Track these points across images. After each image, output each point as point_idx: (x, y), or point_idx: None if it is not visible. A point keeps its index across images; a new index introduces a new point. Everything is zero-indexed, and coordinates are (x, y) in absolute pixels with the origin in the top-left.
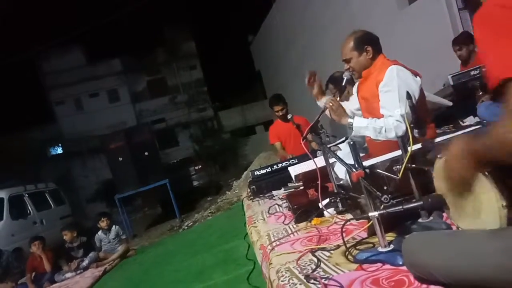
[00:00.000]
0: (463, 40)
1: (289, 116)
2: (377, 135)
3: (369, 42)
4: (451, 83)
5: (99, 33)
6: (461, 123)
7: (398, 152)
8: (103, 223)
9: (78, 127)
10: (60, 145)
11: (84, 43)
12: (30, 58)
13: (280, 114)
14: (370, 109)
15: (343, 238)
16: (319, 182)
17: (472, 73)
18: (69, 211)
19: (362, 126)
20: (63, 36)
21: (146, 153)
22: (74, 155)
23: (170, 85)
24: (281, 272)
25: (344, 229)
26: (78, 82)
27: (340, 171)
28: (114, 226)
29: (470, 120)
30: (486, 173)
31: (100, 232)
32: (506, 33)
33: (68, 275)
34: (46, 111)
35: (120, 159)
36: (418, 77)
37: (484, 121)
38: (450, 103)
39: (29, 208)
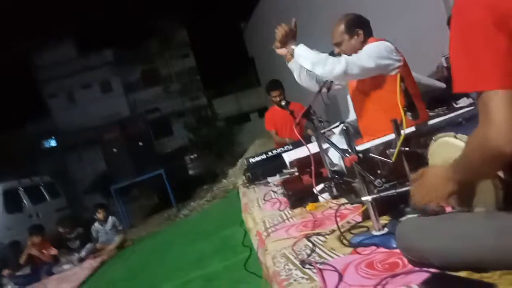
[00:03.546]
0: None
1: (283, 103)
2: (314, 67)
3: (360, 25)
4: (445, 64)
5: (90, 24)
6: (454, 104)
7: (392, 136)
8: (99, 215)
9: (72, 119)
10: (54, 138)
11: (75, 34)
12: (22, 51)
13: (278, 99)
14: (356, 95)
15: (337, 223)
16: (313, 168)
17: None
18: (65, 203)
19: (302, 53)
20: (54, 28)
21: (140, 143)
22: (68, 147)
23: (163, 75)
24: (277, 258)
25: (338, 214)
26: (70, 74)
27: (334, 156)
28: (110, 217)
29: (463, 101)
30: None
31: (96, 223)
32: (475, 40)
33: (66, 266)
34: (40, 104)
35: (115, 150)
36: (399, 54)
37: (477, 102)
38: (444, 85)
39: (25, 201)
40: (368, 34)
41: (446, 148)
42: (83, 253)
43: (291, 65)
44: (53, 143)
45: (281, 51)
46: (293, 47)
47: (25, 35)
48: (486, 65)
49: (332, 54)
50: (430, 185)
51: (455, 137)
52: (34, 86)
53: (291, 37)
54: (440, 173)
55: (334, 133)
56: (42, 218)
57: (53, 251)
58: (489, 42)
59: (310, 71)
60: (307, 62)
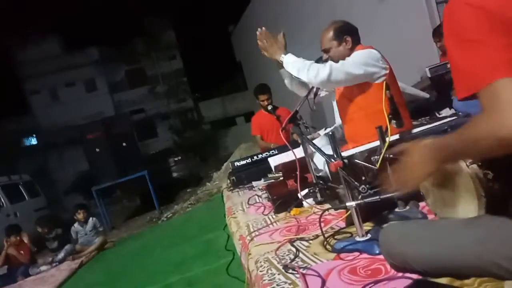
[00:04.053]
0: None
1: (269, 107)
2: (299, 73)
3: (348, 33)
4: (428, 75)
5: (76, 21)
6: (437, 114)
7: (376, 143)
8: (80, 215)
9: (54, 117)
10: (35, 136)
11: (60, 31)
12: (4, 46)
13: (266, 104)
14: (343, 101)
15: (321, 228)
16: (298, 173)
17: (449, 65)
18: (44, 203)
19: (289, 61)
20: (38, 24)
21: (124, 144)
22: (50, 146)
23: (149, 75)
24: (260, 262)
25: (322, 219)
26: (54, 71)
27: (319, 162)
28: (91, 218)
29: (446, 112)
30: (467, 164)
31: (76, 224)
32: (472, 40)
33: (43, 268)
34: (21, 101)
35: (98, 150)
36: (385, 63)
37: (460, 113)
38: (427, 95)
39: (2, 200)
40: (356, 42)
41: None
42: (61, 254)
43: (282, 71)
44: (33, 141)
45: (269, 55)
46: (282, 55)
47: (7, 28)
48: (490, 60)
49: (320, 60)
50: (407, 166)
51: None
52: (16, 82)
53: (279, 47)
54: (420, 155)
55: (319, 134)
56: (20, 218)
57: (25, 259)
58: (487, 41)
59: (298, 78)
60: (293, 69)
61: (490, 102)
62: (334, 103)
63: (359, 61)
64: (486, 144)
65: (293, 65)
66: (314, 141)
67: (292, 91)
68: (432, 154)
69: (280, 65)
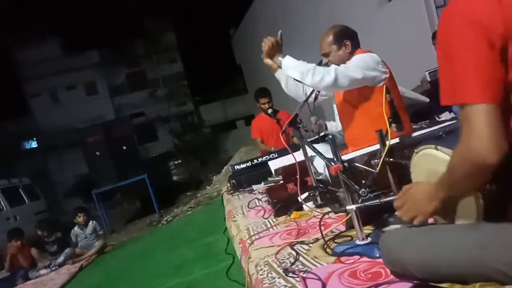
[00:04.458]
0: None
1: (269, 111)
2: (303, 78)
3: (348, 37)
4: (428, 79)
5: (76, 23)
6: (437, 118)
7: (376, 146)
8: (80, 219)
9: (54, 120)
10: (35, 138)
11: (61, 34)
12: (4, 48)
13: (266, 107)
14: (343, 105)
15: (321, 232)
16: (298, 176)
17: None
18: (44, 206)
19: (290, 65)
20: (39, 25)
21: (124, 148)
22: (50, 149)
23: (150, 79)
24: (260, 266)
25: (322, 223)
26: (55, 74)
27: (319, 165)
28: (91, 222)
29: (445, 115)
30: None
31: (76, 228)
32: (461, 55)
33: (43, 271)
34: (21, 103)
35: (98, 153)
36: (385, 67)
37: (459, 117)
38: (427, 99)
39: (2, 203)
40: (355, 46)
41: (428, 159)
42: (61, 258)
43: (278, 75)
44: (33, 144)
45: (268, 61)
46: (280, 58)
47: (8, 30)
48: (468, 79)
49: (320, 64)
50: (415, 201)
51: (436, 148)
52: (16, 84)
53: (278, 49)
54: (425, 190)
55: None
56: (20, 221)
57: (33, 254)
58: (471, 57)
59: (298, 81)
60: (295, 73)
61: (464, 126)
62: (335, 106)
63: (360, 65)
64: (462, 170)
65: (295, 68)
66: (315, 145)
67: (289, 95)
68: (434, 188)
69: (275, 68)
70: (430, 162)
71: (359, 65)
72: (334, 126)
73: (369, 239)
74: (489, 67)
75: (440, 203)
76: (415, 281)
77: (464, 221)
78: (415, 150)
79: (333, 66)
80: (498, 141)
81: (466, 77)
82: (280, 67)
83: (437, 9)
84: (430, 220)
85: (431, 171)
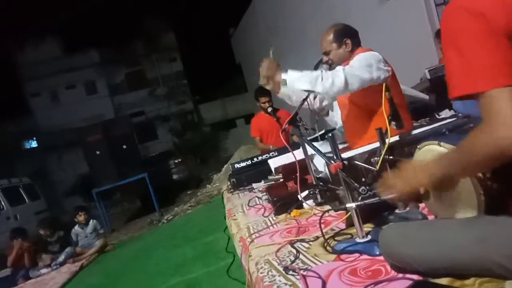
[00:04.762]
0: None
1: (269, 110)
2: (314, 86)
3: (348, 35)
4: (428, 77)
5: (76, 23)
6: (437, 116)
7: (376, 144)
8: (80, 218)
9: (54, 120)
10: (35, 138)
11: (60, 33)
12: (4, 47)
13: (267, 105)
14: (344, 103)
15: (321, 230)
16: (298, 174)
17: None
18: (44, 206)
19: (296, 77)
20: (39, 25)
21: (124, 147)
22: (50, 148)
23: (149, 78)
24: (260, 264)
25: (322, 221)
26: (54, 74)
27: (319, 163)
28: (91, 221)
29: (445, 113)
30: None
31: (77, 227)
32: (470, 45)
33: (44, 270)
34: (21, 103)
35: (98, 152)
36: (387, 65)
37: (459, 114)
38: (427, 97)
39: (2, 203)
40: (356, 44)
41: (431, 156)
42: (62, 257)
43: (281, 94)
44: (34, 143)
45: (269, 87)
46: (283, 76)
47: (8, 30)
48: (487, 65)
49: (320, 62)
50: (405, 173)
51: (439, 144)
52: (16, 84)
53: (276, 68)
54: (419, 164)
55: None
56: (20, 221)
57: (28, 262)
58: (479, 46)
59: (308, 91)
60: (304, 84)
61: (486, 112)
62: (335, 103)
63: (365, 64)
64: (482, 153)
65: (302, 79)
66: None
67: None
68: (432, 163)
69: (276, 90)
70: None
71: (364, 65)
72: (333, 116)
73: (369, 237)
74: (499, 53)
75: (431, 180)
76: (415, 277)
77: (464, 216)
78: (418, 146)
79: (339, 67)
80: None
81: (480, 65)
82: (283, 84)
83: (436, 7)
84: (431, 217)
85: None
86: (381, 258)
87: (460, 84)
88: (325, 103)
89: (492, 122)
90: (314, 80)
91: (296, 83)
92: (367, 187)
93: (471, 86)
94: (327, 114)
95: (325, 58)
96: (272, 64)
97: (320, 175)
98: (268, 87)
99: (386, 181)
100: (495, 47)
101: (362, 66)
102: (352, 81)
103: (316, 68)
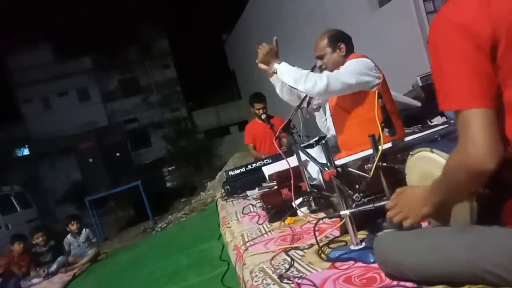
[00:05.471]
0: None
1: (263, 116)
2: (297, 84)
3: (342, 40)
4: (420, 84)
5: (69, 29)
6: (429, 122)
7: (369, 151)
8: (73, 227)
9: (47, 126)
10: (27, 145)
11: (53, 39)
12: None
13: (261, 112)
14: (336, 110)
15: (315, 237)
16: (292, 182)
17: None
18: (36, 214)
19: (285, 71)
20: (31, 31)
21: (117, 154)
22: (42, 156)
23: (143, 84)
24: (255, 272)
25: (317, 228)
26: (47, 80)
27: (313, 170)
28: (84, 230)
29: (437, 120)
30: None
31: (69, 236)
32: (451, 62)
33: (35, 280)
34: (13, 109)
35: (91, 160)
36: (379, 71)
37: (451, 121)
38: (419, 104)
39: None
40: (350, 50)
41: (423, 162)
42: (54, 266)
43: (273, 80)
44: (25, 151)
45: (263, 67)
46: (275, 66)
47: (0, 36)
48: (458, 86)
49: (314, 68)
50: (407, 203)
51: (431, 151)
52: (7, 90)
53: (273, 55)
54: (419, 194)
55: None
56: (12, 230)
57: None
58: (460, 64)
59: (292, 87)
60: (289, 79)
61: (460, 131)
62: (327, 108)
63: (353, 70)
64: (459, 176)
65: (289, 75)
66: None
67: (282, 101)
68: (429, 193)
69: (270, 73)
70: (426, 165)
71: (352, 70)
72: (321, 116)
73: (364, 244)
74: (478, 73)
75: (432, 208)
76: (409, 285)
77: (458, 223)
78: (411, 153)
79: (325, 72)
80: (493, 147)
81: (456, 84)
82: (275, 73)
83: (427, 15)
84: (424, 223)
85: (426, 174)
86: (376, 265)
87: (441, 101)
88: (315, 102)
89: (464, 142)
90: (299, 78)
91: (283, 76)
92: (361, 194)
93: (448, 104)
94: (318, 109)
95: (319, 63)
96: (271, 51)
97: (314, 182)
98: (261, 67)
99: (394, 218)
100: (475, 67)
101: (350, 72)
102: (335, 85)
103: None
